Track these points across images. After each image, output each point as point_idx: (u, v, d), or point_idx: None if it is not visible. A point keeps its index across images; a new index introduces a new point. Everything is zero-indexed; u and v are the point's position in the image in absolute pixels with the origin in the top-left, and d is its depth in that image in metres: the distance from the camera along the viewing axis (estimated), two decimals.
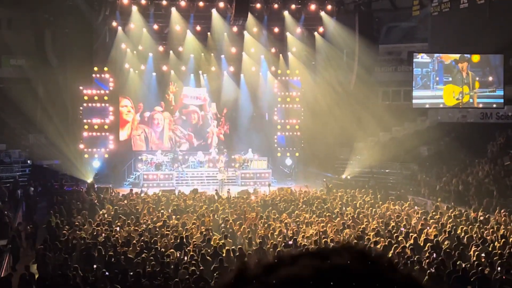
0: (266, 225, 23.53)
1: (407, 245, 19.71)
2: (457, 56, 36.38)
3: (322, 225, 23.84)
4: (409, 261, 17.58)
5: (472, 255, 18.63)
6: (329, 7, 41.15)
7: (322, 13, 41.40)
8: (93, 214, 26.81)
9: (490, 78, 36.15)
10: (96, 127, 41.92)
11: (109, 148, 42.31)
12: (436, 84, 36.19)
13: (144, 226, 23.54)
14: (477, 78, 36.07)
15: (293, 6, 41.09)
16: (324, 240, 20.45)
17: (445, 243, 20.25)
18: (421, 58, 36.41)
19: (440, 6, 38.27)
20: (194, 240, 20.92)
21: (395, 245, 19.48)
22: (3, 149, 38.86)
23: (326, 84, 43.80)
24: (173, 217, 25.82)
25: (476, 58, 36.16)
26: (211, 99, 44.75)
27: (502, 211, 26.57)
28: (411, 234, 21.70)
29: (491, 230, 22.45)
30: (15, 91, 38.95)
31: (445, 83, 36.32)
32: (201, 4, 39.51)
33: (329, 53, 43.42)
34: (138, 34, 40.86)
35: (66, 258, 18.49)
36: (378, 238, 21.08)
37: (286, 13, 41.30)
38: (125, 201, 29.94)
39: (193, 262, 17.48)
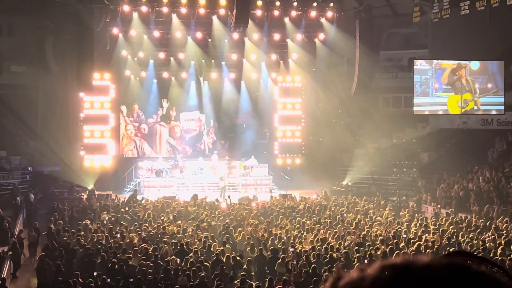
0: (267, 231, 23.52)
1: (408, 251, 19.68)
2: (454, 63, 36.41)
3: (322, 231, 23.84)
4: None
5: None
6: (329, 13, 41.26)
7: (323, 20, 41.50)
8: (93, 220, 26.78)
9: (489, 85, 36.20)
10: (97, 134, 41.90)
11: (110, 155, 42.29)
12: (435, 91, 36.23)
13: (145, 233, 23.50)
14: (477, 85, 36.11)
15: (293, 13, 41.19)
16: (324, 246, 20.43)
17: (446, 249, 20.22)
18: (420, 65, 36.46)
19: (441, 13, 38.26)
20: (194, 246, 20.91)
21: (396, 252, 19.45)
22: (4, 156, 38.86)
23: (326, 91, 43.85)
24: (174, 223, 25.80)
25: (475, 65, 36.19)
26: (207, 107, 44.89)
27: (503, 217, 26.57)
28: (412, 240, 21.69)
29: (492, 237, 22.43)
30: (16, 97, 39.00)
31: (444, 90, 36.34)
32: (201, 11, 39.60)
33: (330, 60, 43.49)
34: (138, 41, 40.92)
35: (67, 265, 18.48)
36: (379, 245, 21.06)
37: (286, 20, 41.40)
38: (126, 208, 29.91)
39: (194, 268, 17.46)
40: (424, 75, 36.17)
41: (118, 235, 22.91)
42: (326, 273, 16.91)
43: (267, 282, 16.26)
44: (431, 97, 36.37)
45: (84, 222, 25.99)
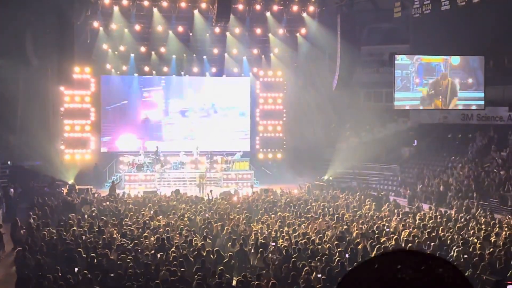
0: (247, 226, 23.50)
1: (388, 246, 19.75)
2: (437, 58, 36.56)
3: (303, 225, 23.86)
4: None
5: (453, 256, 18.70)
6: (311, 8, 41.26)
7: (304, 15, 41.50)
8: (74, 215, 26.59)
9: (470, 80, 36.40)
10: (77, 128, 41.77)
11: (91, 149, 42.15)
12: (416, 86, 36.38)
13: (126, 227, 23.40)
14: (457, 80, 36.29)
15: (275, 7, 41.15)
16: (304, 241, 20.45)
17: (426, 244, 20.32)
18: (401, 60, 36.58)
19: (422, 8, 38.33)
20: (175, 241, 20.85)
21: (377, 246, 19.52)
22: None
23: (308, 85, 43.91)
24: (155, 218, 25.71)
25: (455, 60, 36.38)
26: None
27: (483, 212, 26.75)
28: (392, 235, 21.76)
29: (471, 231, 22.58)
30: None
31: (425, 85, 36.50)
32: (183, 4, 39.44)
33: (311, 54, 43.54)
34: (119, 34, 40.72)
35: (47, 259, 18.35)
36: (359, 239, 21.11)
37: (268, 14, 41.35)
38: (107, 203, 29.79)
39: (175, 263, 17.41)
40: (405, 70, 36.30)
41: (99, 230, 22.78)
42: (306, 268, 16.93)
43: (246, 277, 16.23)
44: (412, 92, 36.50)
45: (64, 217, 25.85)
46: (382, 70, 44.39)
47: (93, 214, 26.79)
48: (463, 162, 36.02)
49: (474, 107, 36.93)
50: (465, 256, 18.40)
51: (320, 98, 43.11)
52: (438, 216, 26.10)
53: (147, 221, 24.37)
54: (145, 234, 21.77)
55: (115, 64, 42.64)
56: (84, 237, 21.41)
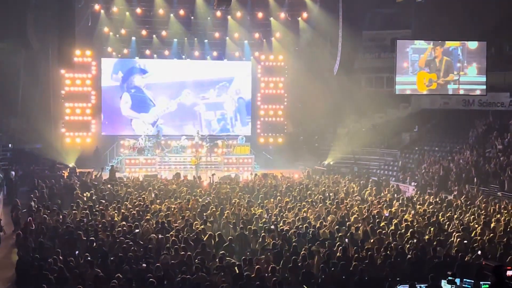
0: (248, 210, 23.51)
1: (388, 231, 19.78)
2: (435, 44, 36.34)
3: (304, 210, 23.87)
4: (389, 247, 17.65)
5: (453, 241, 18.75)
6: None
7: None
8: (74, 198, 26.62)
9: (474, 64, 36.15)
10: (78, 111, 41.78)
11: (91, 132, 42.17)
12: (418, 68, 36.14)
13: (126, 211, 23.41)
14: (459, 65, 36.06)
15: None
16: (305, 225, 20.48)
17: (427, 229, 20.35)
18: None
19: None
20: (176, 225, 20.88)
21: (377, 231, 19.56)
22: None
23: (309, 70, 43.75)
24: (155, 201, 25.72)
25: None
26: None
27: (483, 197, 26.77)
28: (392, 219, 21.78)
29: (472, 216, 22.60)
30: None
31: (420, 69, 36.31)
32: None
33: (313, 39, 43.39)
34: (121, 17, 40.56)
35: (48, 242, 18.40)
36: (359, 224, 21.13)
37: None
38: (108, 186, 29.80)
39: (175, 247, 17.46)
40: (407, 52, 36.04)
41: (99, 213, 22.79)
42: (304, 252, 16.97)
43: (247, 261, 16.27)
44: (414, 75, 36.21)
45: (64, 200, 25.87)
46: (383, 56, 44.28)
47: (94, 197, 26.81)
48: (464, 147, 36.02)
49: (478, 92, 36.62)
50: (465, 241, 18.46)
51: (321, 83, 43.01)
52: (438, 202, 26.12)
53: (147, 204, 24.39)
54: (147, 217, 21.76)
55: (116, 47, 42.56)
56: (85, 220, 21.43)
